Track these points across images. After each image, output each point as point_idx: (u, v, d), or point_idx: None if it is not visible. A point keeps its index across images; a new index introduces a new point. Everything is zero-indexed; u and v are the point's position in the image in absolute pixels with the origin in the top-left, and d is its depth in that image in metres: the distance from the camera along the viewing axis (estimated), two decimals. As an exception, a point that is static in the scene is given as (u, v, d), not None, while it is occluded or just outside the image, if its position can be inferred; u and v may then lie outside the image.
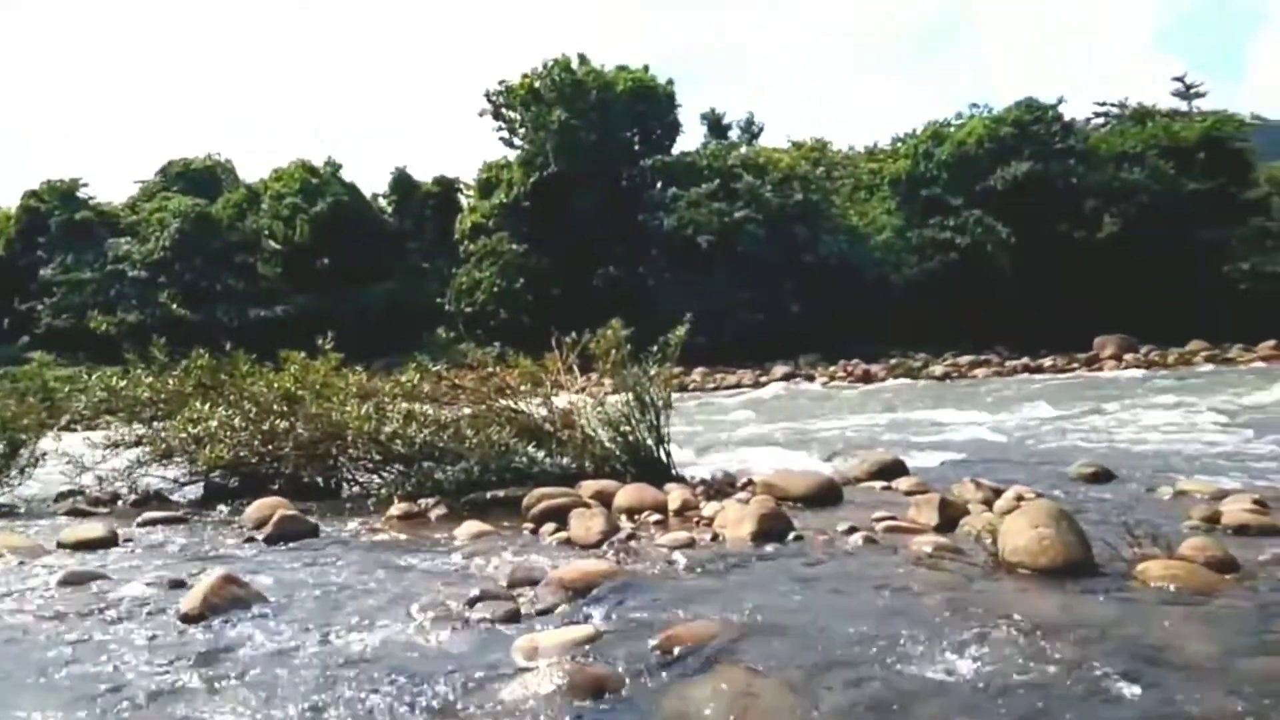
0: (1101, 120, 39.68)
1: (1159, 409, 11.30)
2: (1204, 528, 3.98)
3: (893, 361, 27.56)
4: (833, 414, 13.25)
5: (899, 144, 38.65)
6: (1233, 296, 32.35)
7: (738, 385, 24.83)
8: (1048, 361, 26.89)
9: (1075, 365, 26.21)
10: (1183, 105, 40.07)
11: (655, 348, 6.37)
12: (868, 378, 25.33)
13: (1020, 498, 4.78)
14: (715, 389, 24.32)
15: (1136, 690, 2.09)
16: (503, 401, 6.35)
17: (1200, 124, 35.78)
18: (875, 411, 13.55)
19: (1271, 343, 28.57)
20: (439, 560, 3.89)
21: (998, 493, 5.04)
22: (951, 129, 36.59)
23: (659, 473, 6.01)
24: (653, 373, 6.23)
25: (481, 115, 36.46)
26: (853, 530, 4.07)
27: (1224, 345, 28.41)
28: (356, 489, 6.41)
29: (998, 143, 34.32)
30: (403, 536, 4.62)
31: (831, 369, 27.29)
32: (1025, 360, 27.14)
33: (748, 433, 10.99)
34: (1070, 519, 3.37)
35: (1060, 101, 36.12)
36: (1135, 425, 9.64)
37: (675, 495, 5.10)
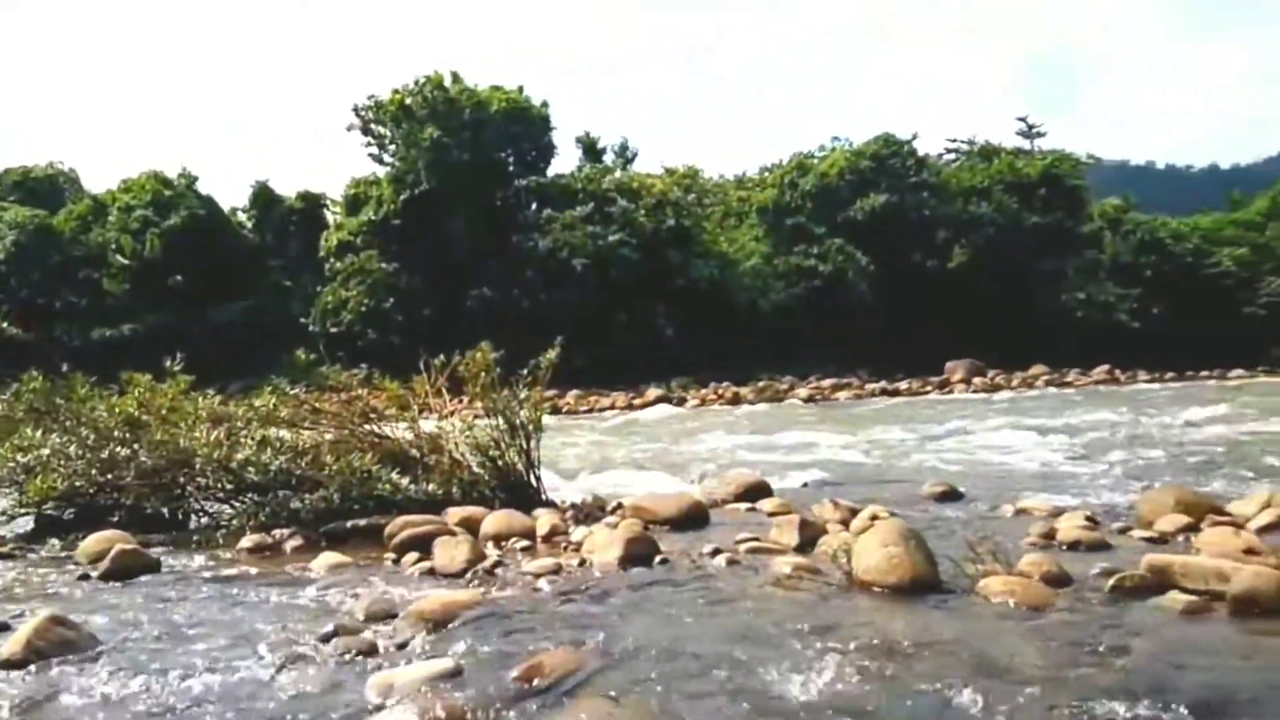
0: (952, 156, 42.17)
1: (1003, 430, 11.99)
2: (1041, 544, 4.24)
3: (761, 384, 28.28)
4: (703, 436, 13.45)
5: (766, 174, 40.00)
6: (1070, 323, 34.88)
7: (612, 407, 24.92)
8: (904, 384, 28.19)
9: (929, 388, 27.59)
10: (1026, 144, 43.00)
11: (527, 370, 6.32)
12: (737, 400, 25.90)
13: (875, 517, 4.96)
14: (589, 411, 24.33)
15: (974, 703, 2.20)
16: (367, 426, 6.16)
17: (1041, 162, 38.51)
18: (744, 433, 13.84)
19: (1105, 367, 30.94)
20: (292, 595, 3.72)
21: (854, 512, 5.22)
22: (815, 161, 38.12)
23: (529, 498, 5.95)
24: (524, 396, 6.17)
25: (350, 130, 35.56)
26: (717, 552, 4.14)
27: (1062, 369, 30.55)
28: (205, 520, 6.05)
29: (858, 175, 35.97)
30: (254, 570, 4.40)
31: (703, 391, 27.76)
32: (884, 383, 28.38)
33: (621, 455, 11.02)
34: (919, 538, 3.53)
35: (914, 137, 38.25)
36: (982, 445, 10.20)
37: (544, 521, 5.06)
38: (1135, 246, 37.26)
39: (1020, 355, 31.21)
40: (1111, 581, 3.21)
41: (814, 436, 12.23)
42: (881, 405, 21.71)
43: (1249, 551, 3.50)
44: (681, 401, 25.85)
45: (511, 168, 35.76)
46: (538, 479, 6.18)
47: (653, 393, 27.14)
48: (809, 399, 25.59)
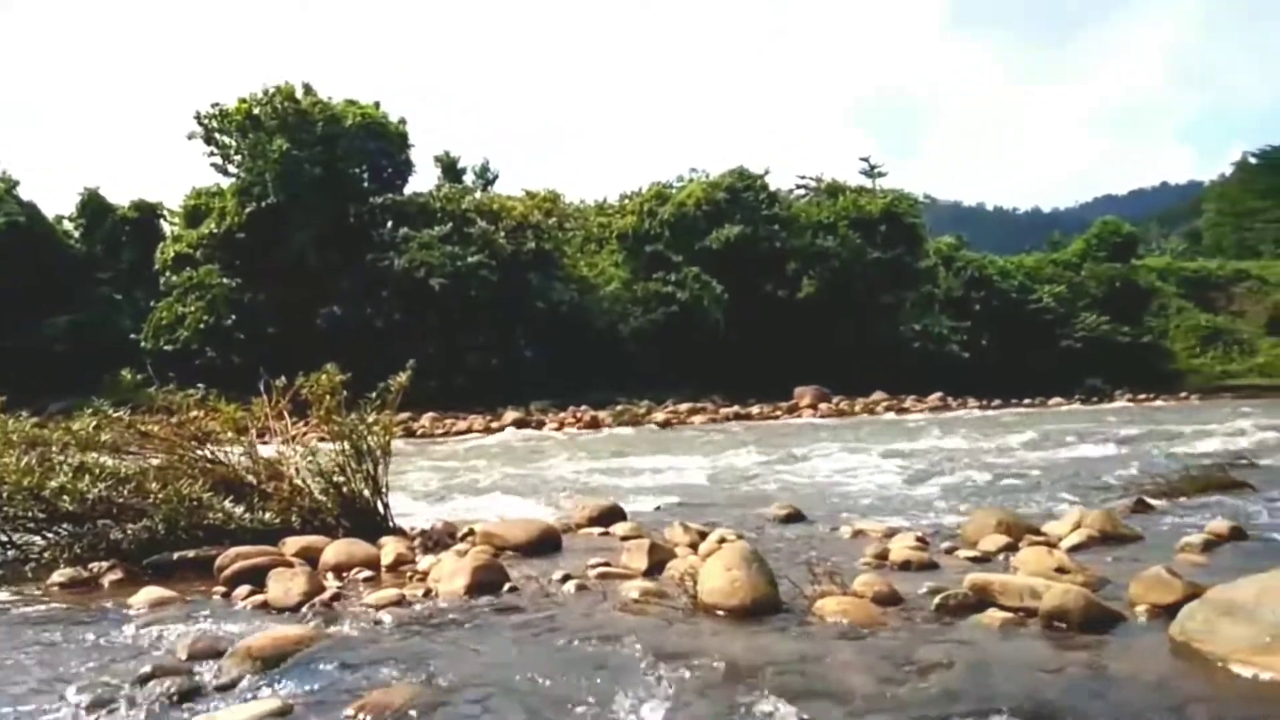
0: (802, 191, 43.95)
1: (845, 454, 12.52)
2: (875, 564, 4.44)
3: (619, 408, 28.47)
4: (561, 460, 13.41)
5: (626, 200, 40.52)
6: (907, 352, 36.86)
7: (469, 431, 24.46)
8: (756, 409, 29.01)
9: (779, 413, 28.50)
10: (868, 183, 45.31)
11: (375, 394, 6.14)
12: (596, 424, 25.96)
13: (723, 540, 5.07)
14: (445, 435, 23.79)
15: (807, 721, 2.27)
16: (199, 451, 5.82)
17: (882, 200, 40.68)
18: (601, 457, 13.89)
19: (939, 394, 32.81)
20: (108, 633, 3.45)
21: (704, 535, 5.32)
22: (673, 190, 38.95)
23: (375, 525, 5.76)
24: (372, 419, 5.99)
25: (191, 138, 33.66)
26: (567, 578, 4.12)
27: (900, 396, 32.20)
28: (14, 553, 5.55)
29: (714, 206, 36.97)
30: (66, 607, 4.06)
31: (562, 415, 27.67)
32: (737, 408, 29.10)
33: (476, 480, 10.83)
34: (761, 560, 3.63)
35: (767, 172, 39.66)
36: (826, 468, 10.61)
37: (390, 549, 4.91)
38: (966, 282, 39.91)
39: (863, 382, 32.72)
40: (937, 600, 3.40)
41: (669, 460, 12.41)
42: (734, 429, 22.27)
43: (1060, 570, 3.78)
44: (540, 425, 25.68)
45: (367, 184, 34.76)
46: (385, 506, 5.99)
47: (511, 416, 26.82)
48: (665, 423, 25.94)
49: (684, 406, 29.13)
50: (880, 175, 45.71)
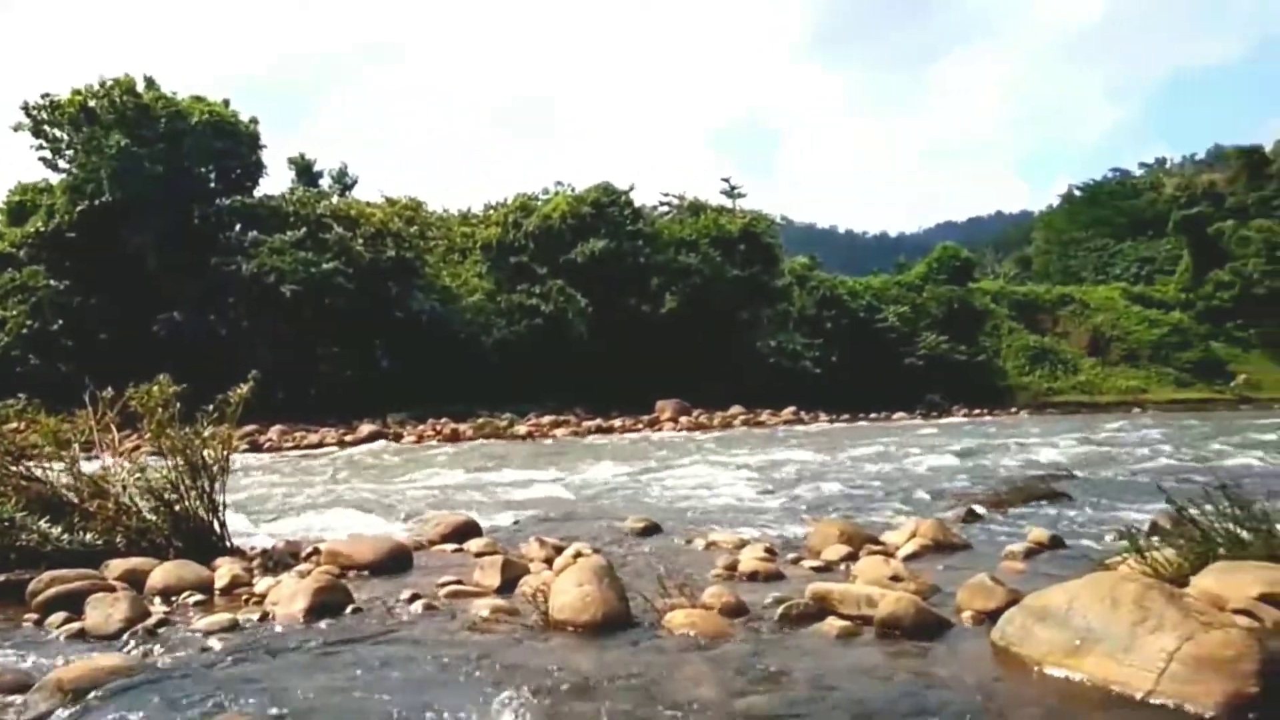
0: (665, 209, 44.72)
1: (703, 466, 12.75)
2: (725, 575, 4.54)
3: (480, 421, 28.04)
4: (418, 474, 13.07)
5: (491, 211, 40.12)
6: (764, 368, 38.00)
7: (320, 444, 23.51)
8: (618, 422, 29.18)
9: (640, 426, 28.77)
10: (729, 202, 46.55)
11: (213, 406, 5.83)
12: (456, 437, 25.46)
13: (579, 554, 5.06)
14: (295, 448, 22.78)
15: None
16: (14, 467, 5.36)
17: (741, 220, 41.86)
18: (460, 471, 13.63)
19: (792, 408, 33.92)
20: (-107, 671, 3.11)
21: (560, 550, 5.31)
22: (539, 203, 38.87)
23: (211, 546, 5.45)
24: (208, 432, 5.68)
25: (17, 130, 31.12)
26: (415, 598, 4.01)
27: (757, 410, 33.10)
28: None
29: (579, 220, 37.12)
30: None
31: (421, 428, 27.00)
32: (599, 421, 29.20)
33: (326, 495, 10.41)
34: (613, 574, 3.65)
35: (632, 188, 40.15)
36: (684, 481, 10.76)
37: (225, 571, 4.65)
38: (819, 301, 41.59)
39: (722, 396, 33.48)
40: (780, 610, 3.50)
41: (530, 474, 12.31)
42: (596, 442, 22.32)
43: (895, 579, 3.97)
44: (398, 437, 24.97)
45: (213, 185, 33.06)
46: (222, 524, 5.68)
47: (366, 428, 25.96)
48: (528, 436, 25.73)
49: (547, 419, 28.99)
50: (740, 196, 47.05)
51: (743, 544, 5.47)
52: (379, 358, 31.14)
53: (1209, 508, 4.01)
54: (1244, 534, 3.87)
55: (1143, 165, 77.84)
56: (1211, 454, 12.06)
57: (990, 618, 3.19)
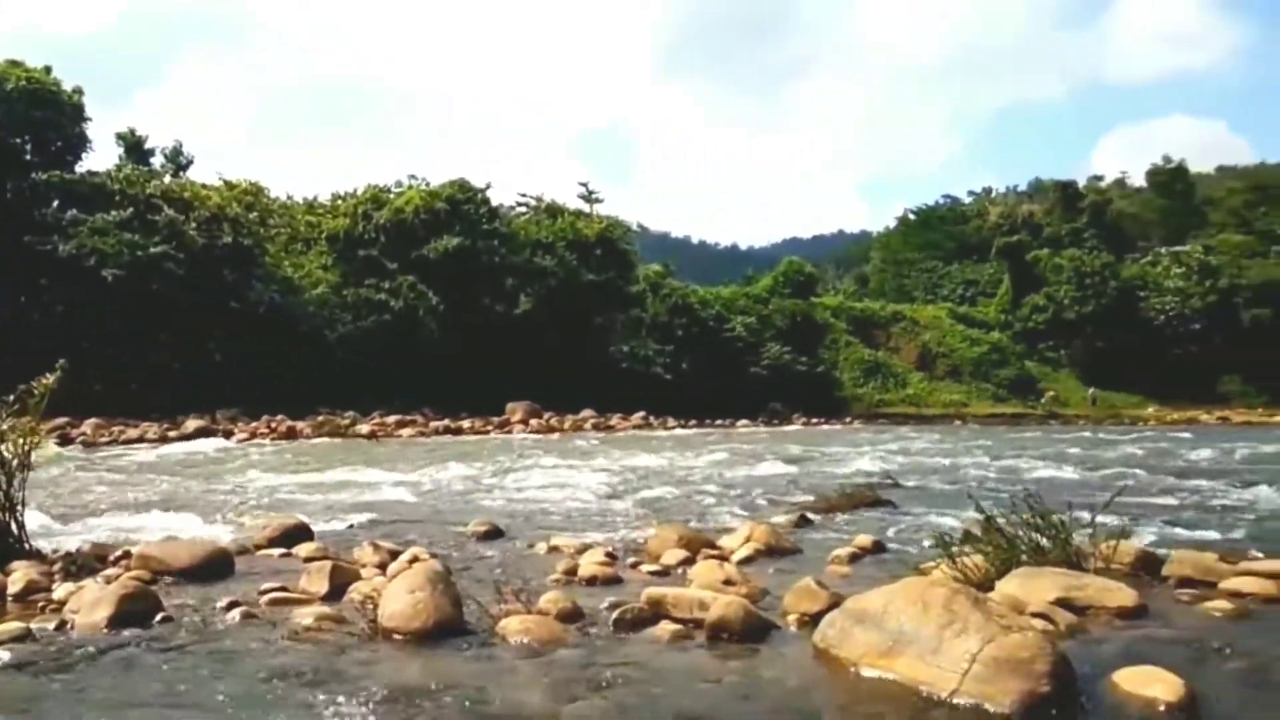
0: (523, 210, 44.38)
1: (552, 469, 12.72)
2: (564, 580, 4.53)
3: (320, 419, 26.91)
4: (248, 474, 12.40)
5: (339, 201, 38.65)
6: (616, 373, 38.31)
7: (141, 440, 21.95)
8: (467, 423, 28.71)
9: (490, 428, 28.41)
10: (586, 207, 46.67)
11: (13, 397, 5.35)
12: (293, 435, 24.34)
13: (415, 559, 4.93)
14: (112, 444, 21.17)
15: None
16: None
17: (598, 225, 42.06)
18: (295, 471, 13.03)
19: (642, 413, 34.34)
20: None
21: (395, 555, 5.15)
22: (391, 195, 37.75)
23: (7, 548, 4.99)
24: (6, 425, 5.20)
25: None
26: (234, 605, 3.80)
27: (608, 414, 33.32)
28: None
29: (433, 215, 36.29)
30: None
31: (254, 425, 25.64)
32: (448, 421, 28.63)
33: (145, 495, 9.73)
34: (447, 580, 3.57)
35: (489, 187, 39.61)
36: (531, 484, 10.69)
37: (20, 576, 4.27)
38: (671, 308, 42.29)
39: (574, 399, 33.51)
40: (616, 615, 3.52)
41: (371, 475, 11.92)
42: (443, 443, 21.87)
43: (728, 582, 4.07)
44: (229, 435, 23.61)
45: (29, 157, 30.35)
46: (20, 525, 5.21)
47: (194, 424, 24.43)
48: (371, 435, 24.89)
49: (392, 419, 28.16)
50: (597, 201, 47.24)
51: (584, 548, 5.48)
52: (211, 350, 29.39)
53: (1014, 517, 4.33)
54: (1044, 541, 4.19)
55: (971, 193, 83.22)
56: (1022, 465, 13.01)
57: (814, 620, 3.31)
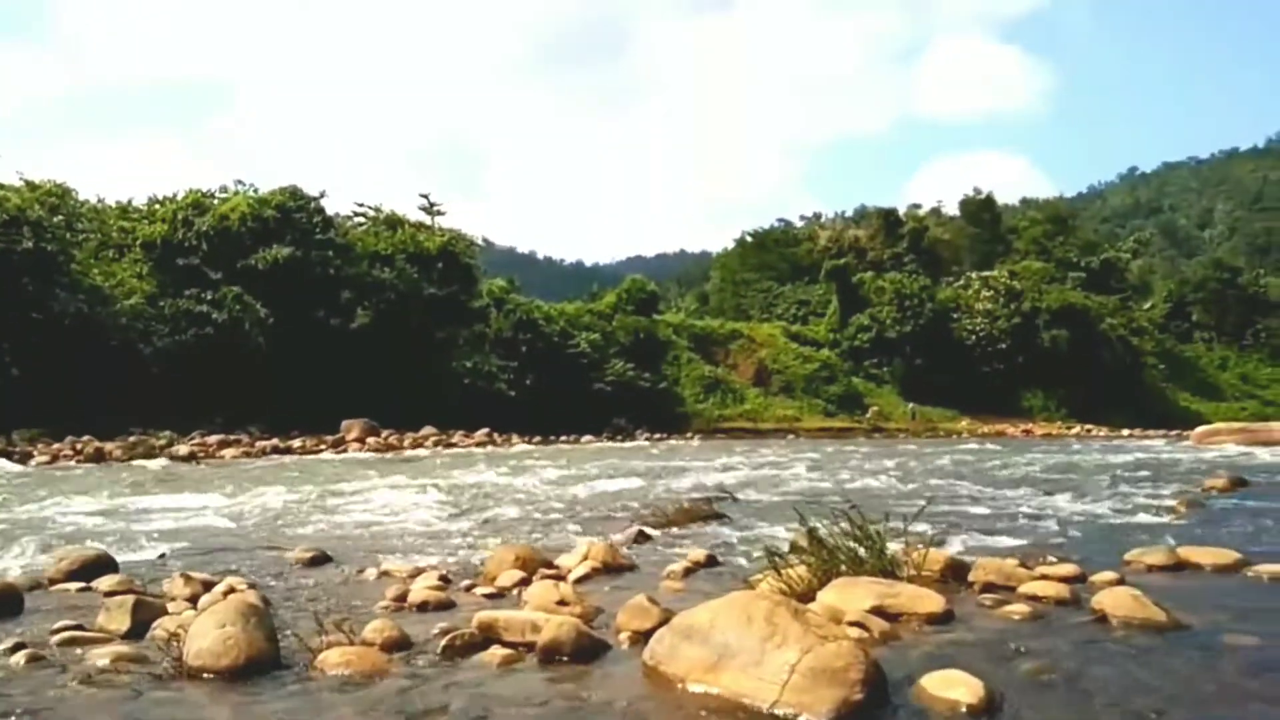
0: (360, 220, 43.00)
1: (389, 490, 12.30)
2: (393, 607, 4.37)
3: (133, 439, 25.00)
4: (46, 501, 11.33)
5: (157, 205, 36.18)
6: (458, 389, 37.60)
7: (-85, 465, 19.68)
8: (298, 443, 27.41)
9: (323, 447, 27.23)
10: (428, 219, 45.73)
11: None
12: (102, 457, 22.47)
13: (231, 590, 4.65)
14: (-122, 470, 18.86)
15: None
16: None
17: (440, 238, 41.30)
18: (102, 496, 12.02)
19: (486, 430, 33.85)
20: None
21: (209, 586, 4.83)
22: (215, 201, 35.72)
23: None
24: None
25: None
26: (19, 647, 3.44)
27: (450, 431, 32.65)
28: None
29: (261, 223, 34.58)
30: None
31: (57, 446, 23.50)
32: (276, 441, 27.24)
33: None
34: (261, 613, 3.37)
35: (323, 195, 38.16)
36: (366, 506, 10.30)
37: None
38: (515, 324, 41.93)
39: (413, 417, 32.63)
40: (444, 641, 3.43)
41: (187, 499, 11.15)
42: (271, 464, 20.77)
43: (562, 602, 4.05)
44: (26, 458, 21.52)
45: None
46: None
47: (-18, 447, 22.17)
48: (191, 457, 23.31)
49: (214, 439, 26.52)
50: (440, 214, 46.42)
51: (417, 573, 5.32)
52: (9, 364, 26.79)
53: (835, 528, 4.53)
54: (862, 552, 4.40)
55: (803, 218, 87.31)
56: (848, 477, 13.66)
57: (646, 637, 3.33)
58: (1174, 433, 39.11)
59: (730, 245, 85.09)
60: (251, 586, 4.88)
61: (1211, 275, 74.55)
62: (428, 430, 31.88)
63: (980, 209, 78.22)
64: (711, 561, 5.50)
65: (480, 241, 55.11)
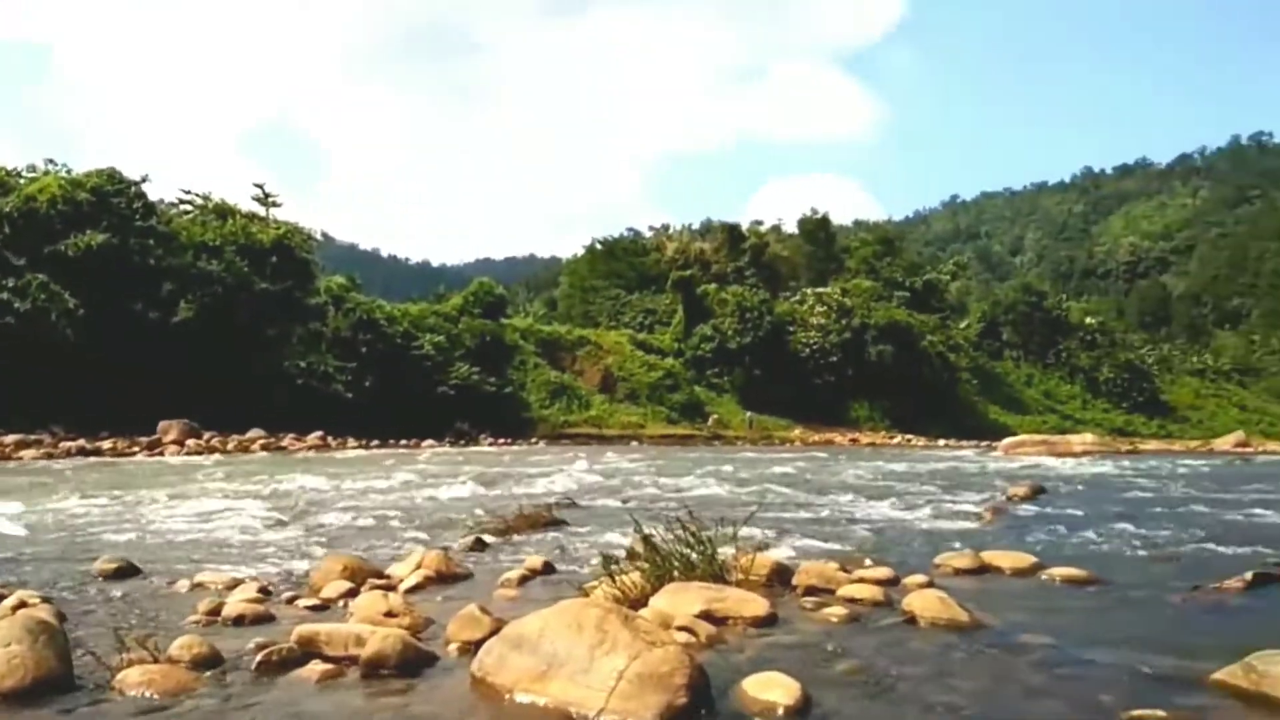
0: (187, 208, 40.44)
1: (209, 496, 11.59)
2: (206, 621, 4.12)
3: (-90, 439, 22.52)
4: None
5: (-49, 183, 32.80)
6: (291, 390, 35.92)
7: None
8: (108, 444, 25.46)
9: (137, 449, 25.40)
10: (261, 210, 43.52)
11: None
12: None
13: (23, 604, 4.26)
14: None
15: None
16: None
17: (275, 231, 39.39)
18: None
19: (320, 433, 32.51)
20: None
21: (-4, 602, 4.40)
22: (22, 181, 32.72)
23: None
24: None
25: None
26: None
27: (279, 434, 31.14)
28: None
29: (74, 206, 31.95)
30: None
31: None
32: (83, 441, 25.20)
33: None
34: (53, 629, 3.10)
35: (145, 179, 35.66)
36: (181, 513, 9.66)
37: None
38: (355, 323, 40.42)
39: (239, 418, 30.94)
40: (259, 657, 3.26)
41: (-27, 506, 10.11)
42: (77, 467, 19.16)
43: (390, 614, 3.92)
44: None
45: None
46: None
47: None
48: (-19, 458, 21.24)
49: (11, 438, 24.30)
50: (275, 205, 44.30)
51: (235, 584, 5.04)
52: None
53: (670, 534, 4.61)
54: (694, 557, 4.50)
55: (651, 228, 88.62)
56: (688, 483, 13.96)
57: (476, 648, 3.28)
58: (984, 443, 42.17)
59: (580, 252, 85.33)
60: (45, 600, 4.49)
61: (1020, 298, 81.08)
62: (255, 433, 30.32)
63: (816, 228, 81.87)
64: (549, 569, 5.48)
65: (319, 236, 52.93)
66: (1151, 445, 49.14)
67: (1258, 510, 9.29)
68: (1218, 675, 2.88)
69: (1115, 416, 71.42)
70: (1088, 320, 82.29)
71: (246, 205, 42.73)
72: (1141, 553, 6.33)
